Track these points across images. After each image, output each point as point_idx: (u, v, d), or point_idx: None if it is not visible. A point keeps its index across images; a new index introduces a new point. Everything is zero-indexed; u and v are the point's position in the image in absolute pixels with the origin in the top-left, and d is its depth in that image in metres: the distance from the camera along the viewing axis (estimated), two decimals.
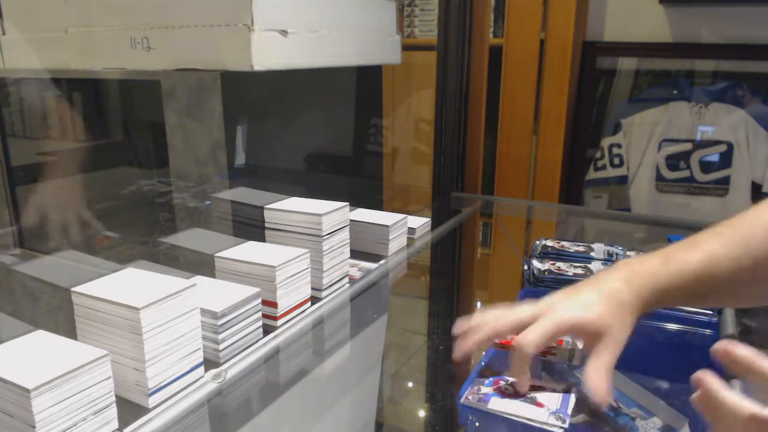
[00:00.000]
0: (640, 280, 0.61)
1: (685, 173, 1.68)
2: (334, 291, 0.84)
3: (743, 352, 0.44)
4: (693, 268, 0.59)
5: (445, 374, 0.82)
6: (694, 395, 0.46)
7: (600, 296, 0.61)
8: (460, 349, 0.64)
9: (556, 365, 0.73)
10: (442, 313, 1.12)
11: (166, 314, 0.56)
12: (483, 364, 0.69)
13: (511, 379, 0.65)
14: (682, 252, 0.60)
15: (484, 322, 0.64)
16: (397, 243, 1.00)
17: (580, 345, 0.72)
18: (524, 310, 0.63)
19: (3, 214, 0.88)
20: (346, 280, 0.88)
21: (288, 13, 0.62)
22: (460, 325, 0.66)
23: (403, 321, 1.03)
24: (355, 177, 1.91)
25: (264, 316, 0.70)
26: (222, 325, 0.63)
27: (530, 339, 0.59)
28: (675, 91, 1.67)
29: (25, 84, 0.92)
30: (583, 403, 0.63)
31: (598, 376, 0.58)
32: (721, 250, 0.58)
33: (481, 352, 0.73)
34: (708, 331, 0.79)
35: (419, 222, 1.10)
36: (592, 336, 0.60)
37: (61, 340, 0.53)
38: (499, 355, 0.72)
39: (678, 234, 1.10)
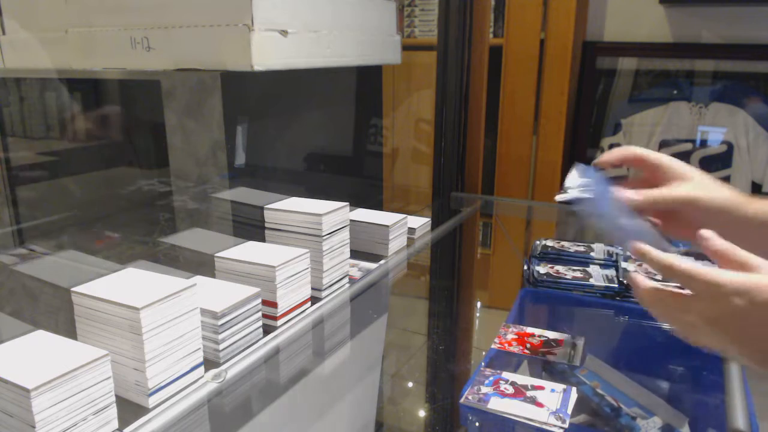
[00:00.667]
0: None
1: None
2: (334, 291, 0.84)
3: (718, 242, 0.50)
4: None
5: (445, 374, 0.82)
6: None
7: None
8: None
9: (556, 365, 0.73)
10: (442, 313, 1.12)
11: (166, 314, 0.56)
12: (483, 364, 0.69)
13: (511, 379, 0.65)
14: None
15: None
16: (397, 243, 1.00)
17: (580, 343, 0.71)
18: None
19: (3, 214, 0.88)
20: (346, 280, 0.88)
21: (288, 13, 0.62)
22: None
23: (403, 321, 1.03)
24: (355, 177, 1.91)
25: (264, 316, 0.70)
26: (222, 325, 0.63)
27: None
28: (675, 91, 1.67)
29: (25, 84, 0.92)
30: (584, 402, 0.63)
31: (634, 195, 0.65)
32: None
33: (482, 352, 0.73)
34: None
35: (419, 222, 1.10)
36: (650, 170, 0.66)
37: (61, 340, 0.53)
38: (499, 355, 0.72)
39: None
